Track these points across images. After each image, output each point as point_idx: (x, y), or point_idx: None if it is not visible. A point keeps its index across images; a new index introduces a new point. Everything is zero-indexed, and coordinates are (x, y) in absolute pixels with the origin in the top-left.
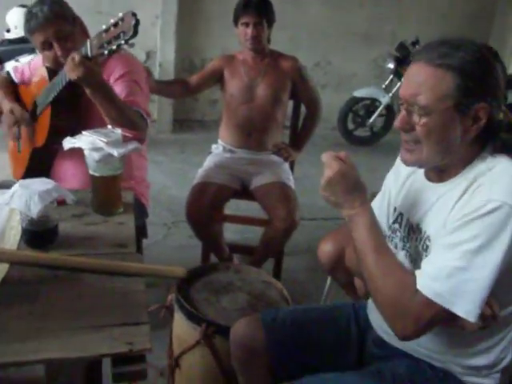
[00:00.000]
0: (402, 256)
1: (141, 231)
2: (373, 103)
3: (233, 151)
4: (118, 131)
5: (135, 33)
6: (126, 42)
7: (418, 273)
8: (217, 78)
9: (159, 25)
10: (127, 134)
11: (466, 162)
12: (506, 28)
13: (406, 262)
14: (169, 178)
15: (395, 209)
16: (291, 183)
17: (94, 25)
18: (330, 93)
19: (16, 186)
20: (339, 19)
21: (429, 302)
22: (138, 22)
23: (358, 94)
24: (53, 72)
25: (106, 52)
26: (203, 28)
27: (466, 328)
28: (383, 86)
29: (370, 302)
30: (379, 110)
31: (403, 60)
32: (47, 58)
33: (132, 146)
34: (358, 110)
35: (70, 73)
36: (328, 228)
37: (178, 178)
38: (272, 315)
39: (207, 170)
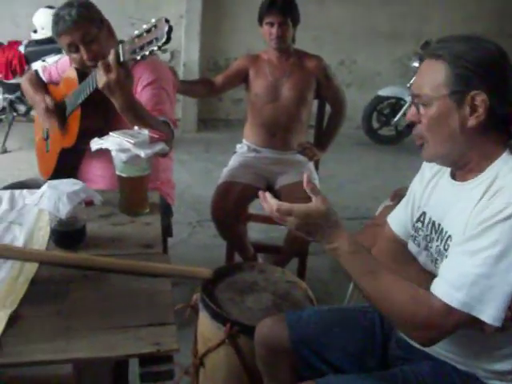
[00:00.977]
0: (423, 257)
1: (166, 230)
2: (397, 102)
3: (257, 151)
4: (146, 132)
5: (168, 39)
6: (159, 48)
7: (436, 281)
8: (242, 78)
9: (183, 24)
10: (154, 135)
11: (488, 160)
12: None
13: (428, 263)
14: (193, 177)
15: (419, 207)
16: (316, 182)
17: (120, 26)
18: (354, 92)
19: (45, 187)
20: (363, 18)
21: (451, 311)
22: (171, 29)
23: (382, 92)
24: (82, 73)
25: (138, 57)
26: (227, 28)
27: (485, 330)
28: (408, 85)
29: None
30: (404, 108)
31: None
32: (74, 60)
33: (159, 146)
34: (382, 108)
35: (99, 78)
36: (352, 228)
37: (202, 177)
38: (296, 315)
39: (232, 169)
